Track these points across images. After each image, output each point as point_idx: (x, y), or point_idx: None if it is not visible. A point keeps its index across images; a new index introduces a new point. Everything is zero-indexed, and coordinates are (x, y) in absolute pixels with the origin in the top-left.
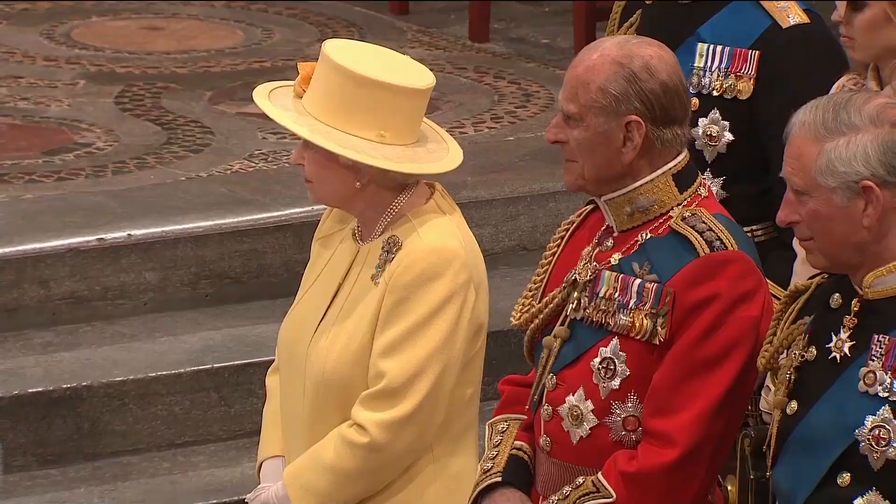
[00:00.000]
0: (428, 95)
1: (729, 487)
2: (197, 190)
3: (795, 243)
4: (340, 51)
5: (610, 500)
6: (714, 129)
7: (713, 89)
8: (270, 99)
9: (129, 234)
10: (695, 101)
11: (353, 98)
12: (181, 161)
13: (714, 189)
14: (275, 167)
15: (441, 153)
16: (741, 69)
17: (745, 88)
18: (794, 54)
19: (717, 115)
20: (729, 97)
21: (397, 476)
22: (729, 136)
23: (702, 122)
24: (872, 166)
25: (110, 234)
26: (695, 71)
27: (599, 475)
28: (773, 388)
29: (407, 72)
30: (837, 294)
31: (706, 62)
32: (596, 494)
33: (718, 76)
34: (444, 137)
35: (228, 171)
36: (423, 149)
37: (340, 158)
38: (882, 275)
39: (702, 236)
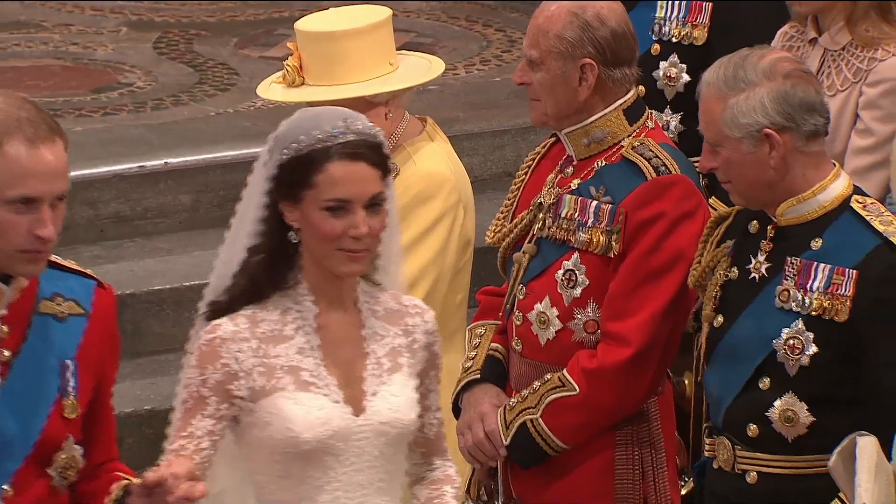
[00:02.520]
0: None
1: (685, 381)
2: (224, 123)
3: None
4: (319, 22)
5: (574, 392)
6: (673, 72)
7: (672, 36)
8: (281, 91)
9: (165, 162)
10: (656, 46)
11: (354, 50)
12: (211, 98)
13: (673, 124)
14: (292, 104)
15: (427, 63)
16: (696, 18)
17: (700, 35)
18: (743, 6)
19: (676, 58)
20: (686, 43)
21: None
22: (686, 77)
23: (662, 65)
24: (770, 115)
25: (149, 162)
26: (656, 21)
27: (564, 371)
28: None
29: (372, 12)
30: (755, 221)
31: (666, 13)
32: (561, 388)
33: (677, 25)
34: (415, 53)
35: (252, 108)
36: (414, 63)
37: (376, 98)
38: (793, 204)
39: (649, 163)
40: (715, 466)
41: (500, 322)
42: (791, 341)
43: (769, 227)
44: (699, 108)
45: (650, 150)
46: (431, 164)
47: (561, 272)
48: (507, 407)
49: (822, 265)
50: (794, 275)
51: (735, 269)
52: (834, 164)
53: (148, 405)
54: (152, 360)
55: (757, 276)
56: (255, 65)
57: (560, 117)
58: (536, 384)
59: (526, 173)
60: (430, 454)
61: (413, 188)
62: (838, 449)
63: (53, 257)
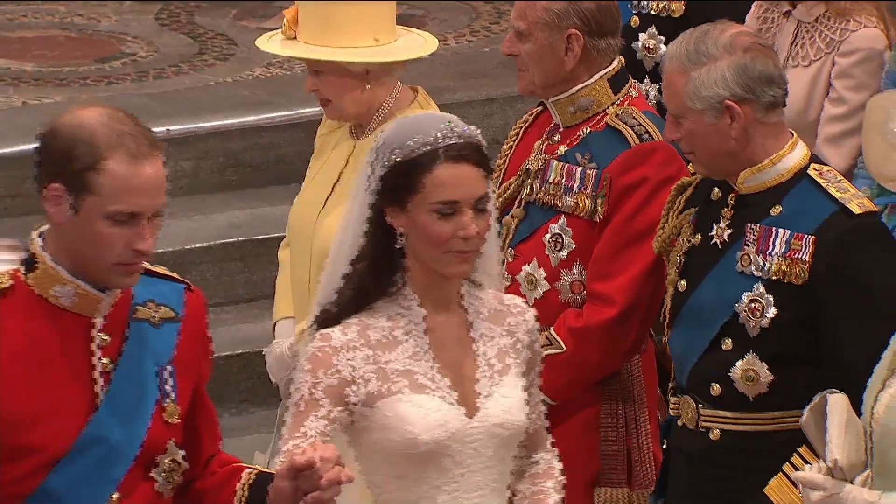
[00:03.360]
0: None
1: (664, 341)
2: (224, 92)
3: None
4: None
5: (561, 350)
6: (652, 43)
7: (651, 9)
8: (274, 42)
9: (167, 129)
10: (635, 19)
11: (341, 16)
12: (210, 68)
13: (651, 93)
14: (289, 73)
15: (420, 41)
16: None
17: (678, 9)
18: None
19: (654, 30)
20: (664, 16)
21: None
22: (664, 49)
23: (641, 37)
24: (731, 87)
25: (152, 129)
26: None
27: (551, 330)
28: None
29: None
30: (716, 189)
31: None
32: (549, 346)
33: None
34: (412, 31)
35: (250, 77)
36: (406, 41)
37: (353, 68)
38: (753, 173)
39: (633, 130)
40: (680, 424)
41: None
42: (752, 304)
43: (730, 195)
44: (662, 81)
45: (633, 118)
46: None
47: (548, 235)
48: None
49: (781, 231)
50: (754, 240)
51: (698, 236)
52: (792, 133)
53: None
54: None
55: (719, 241)
56: (253, 35)
57: (547, 86)
58: None
59: (514, 140)
60: (531, 448)
61: None
62: (810, 406)
63: (144, 263)
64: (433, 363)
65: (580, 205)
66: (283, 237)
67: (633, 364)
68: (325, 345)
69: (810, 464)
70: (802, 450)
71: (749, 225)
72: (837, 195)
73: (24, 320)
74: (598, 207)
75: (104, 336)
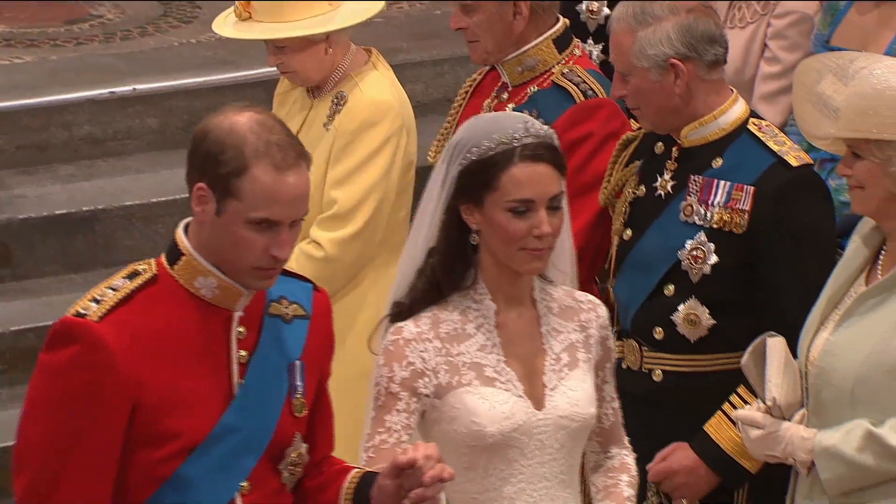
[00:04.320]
0: None
1: (610, 288)
2: (188, 53)
3: None
4: None
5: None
6: (595, 6)
7: None
8: (232, 25)
9: (134, 88)
10: None
11: None
12: (175, 30)
13: (595, 53)
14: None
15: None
16: None
17: None
18: None
19: None
20: None
21: (347, 282)
22: (606, 11)
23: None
24: (675, 46)
25: (119, 88)
26: None
27: None
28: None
29: None
30: (660, 143)
31: None
32: None
33: None
34: None
35: (213, 38)
36: (354, 2)
37: (315, 37)
38: (695, 127)
39: (578, 87)
40: (624, 367)
41: None
42: (694, 252)
43: (674, 149)
44: (610, 41)
45: (578, 76)
46: (376, 92)
47: None
48: None
49: (722, 182)
50: (696, 191)
51: (642, 187)
52: (732, 90)
53: None
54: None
55: (663, 192)
56: None
57: (500, 51)
58: None
59: (464, 98)
60: (606, 443)
61: (360, 115)
62: (749, 349)
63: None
64: (501, 357)
65: None
66: None
67: None
68: (397, 337)
69: (749, 403)
70: (741, 390)
71: (692, 177)
72: (775, 148)
73: (167, 309)
74: None
75: (241, 329)
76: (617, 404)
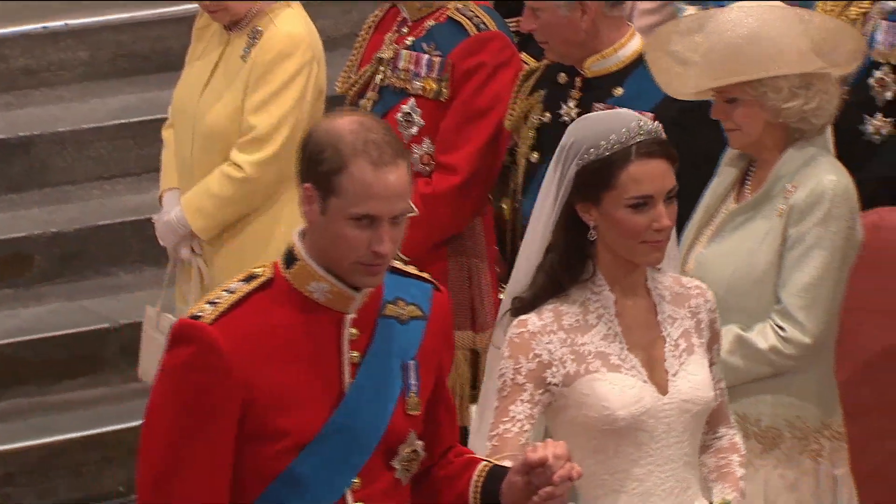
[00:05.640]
0: None
1: (504, 206)
2: None
3: None
4: None
5: (413, 213)
6: None
7: None
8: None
9: (66, 24)
10: None
11: None
12: None
13: None
14: None
15: None
16: None
17: None
18: None
19: None
20: None
21: (265, 201)
22: None
23: None
24: None
25: (52, 23)
26: None
27: None
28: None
29: None
30: (563, 73)
31: None
32: None
33: None
34: None
35: None
36: None
37: None
38: (598, 59)
39: (471, 21)
40: None
41: None
42: None
43: (577, 79)
44: None
45: (471, 11)
46: (289, 27)
47: (400, 115)
48: None
49: (623, 110)
50: None
51: (548, 114)
52: (630, 25)
53: (54, 227)
54: (57, 191)
55: (568, 119)
56: None
57: None
58: None
59: (367, 33)
60: (715, 423)
61: (275, 47)
62: None
63: (397, 264)
64: (624, 344)
65: (427, 88)
66: (168, 118)
67: (476, 225)
68: (522, 331)
69: None
70: None
71: (594, 104)
72: None
73: (281, 311)
74: (443, 90)
75: (354, 331)
76: (724, 385)
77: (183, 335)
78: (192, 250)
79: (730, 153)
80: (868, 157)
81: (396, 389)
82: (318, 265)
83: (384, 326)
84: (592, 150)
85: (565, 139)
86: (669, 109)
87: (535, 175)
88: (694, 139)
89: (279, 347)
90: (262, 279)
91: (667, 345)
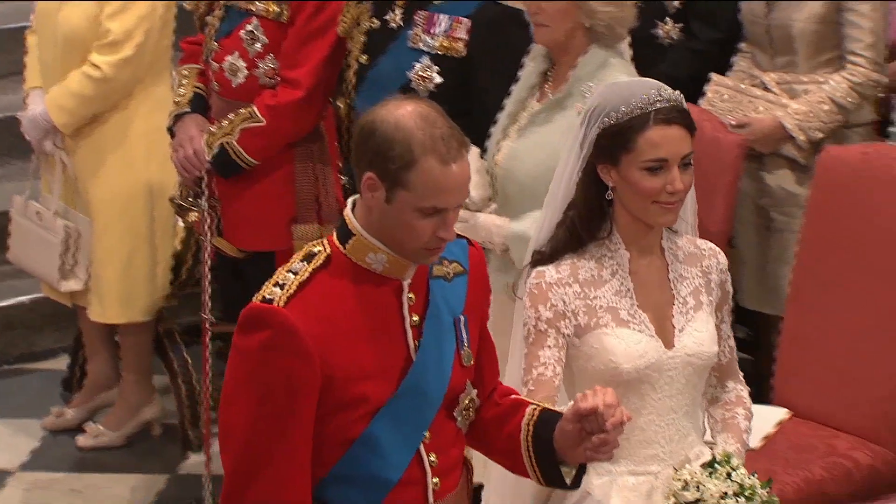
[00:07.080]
0: None
1: (340, 105)
2: None
3: None
4: None
5: (260, 123)
6: None
7: None
8: None
9: None
10: None
11: None
12: None
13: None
14: None
15: None
16: None
17: None
18: None
19: None
20: None
21: (121, 99)
22: None
23: None
24: None
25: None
26: None
27: (252, 106)
28: (350, 48)
29: None
30: None
31: None
32: (251, 119)
33: None
34: None
35: None
36: None
37: None
38: None
39: None
40: None
41: (201, 66)
42: (421, 73)
43: None
44: None
45: None
46: None
47: (244, 33)
48: (210, 132)
49: (443, 16)
50: (422, 23)
51: (376, 21)
52: None
53: None
54: None
55: (394, 24)
56: None
57: None
58: (232, 116)
59: None
60: (724, 378)
61: None
62: None
63: None
64: (634, 301)
65: (268, 9)
66: (31, 26)
67: (320, 128)
68: (540, 281)
69: None
70: None
71: (417, 11)
72: None
73: (343, 286)
74: (283, 11)
75: (411, 295)
76: (733, 342)
77: (257, 319)
78: (55, 144)
79: (532, 52)
80: (660, 60)
81: (452, 345)
82: (373, 238)
83: (435, 287)
84: (614, 113)
85: (591, 102)
86: (485, 15)
87: (365, 75)
88: (505, 41)
89: (347, 320)
90: (322, 257)
91: (675, 302)
